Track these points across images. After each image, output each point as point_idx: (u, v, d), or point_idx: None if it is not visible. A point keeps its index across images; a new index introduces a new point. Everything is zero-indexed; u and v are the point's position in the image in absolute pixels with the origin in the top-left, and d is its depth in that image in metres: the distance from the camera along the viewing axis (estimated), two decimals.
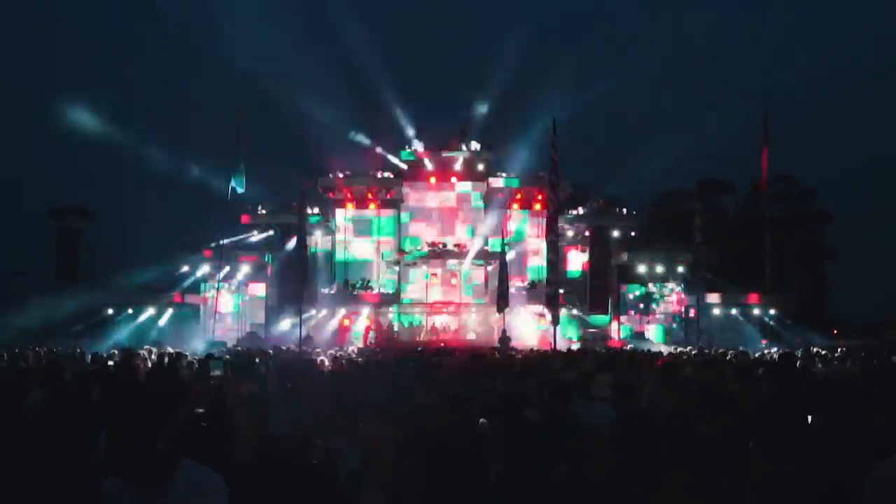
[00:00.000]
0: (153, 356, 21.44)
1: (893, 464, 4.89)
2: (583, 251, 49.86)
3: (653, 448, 5.88)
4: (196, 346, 35.27)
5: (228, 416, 7.69)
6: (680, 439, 6.16)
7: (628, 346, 36.08)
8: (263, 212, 48.44)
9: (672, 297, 47.53)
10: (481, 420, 7.81)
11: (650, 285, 47.62)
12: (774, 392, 8.39)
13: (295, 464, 6.10)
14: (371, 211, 49.43)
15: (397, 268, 48.32)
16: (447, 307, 47.22)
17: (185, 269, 47.02)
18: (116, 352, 23.47)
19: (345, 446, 6.56)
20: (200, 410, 8.07)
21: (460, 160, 49.53)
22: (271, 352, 26.67)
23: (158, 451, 4.39)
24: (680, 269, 46.95)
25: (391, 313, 47.09)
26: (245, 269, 46.84)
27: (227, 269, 45.76)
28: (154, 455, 4.38)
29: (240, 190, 40.96)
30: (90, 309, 45.71)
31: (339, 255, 49.39)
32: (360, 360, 20.90)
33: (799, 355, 21.06)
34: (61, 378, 12.83)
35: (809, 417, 6.93)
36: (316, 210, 47.82)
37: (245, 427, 7.42)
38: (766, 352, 30.52)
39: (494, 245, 44.20)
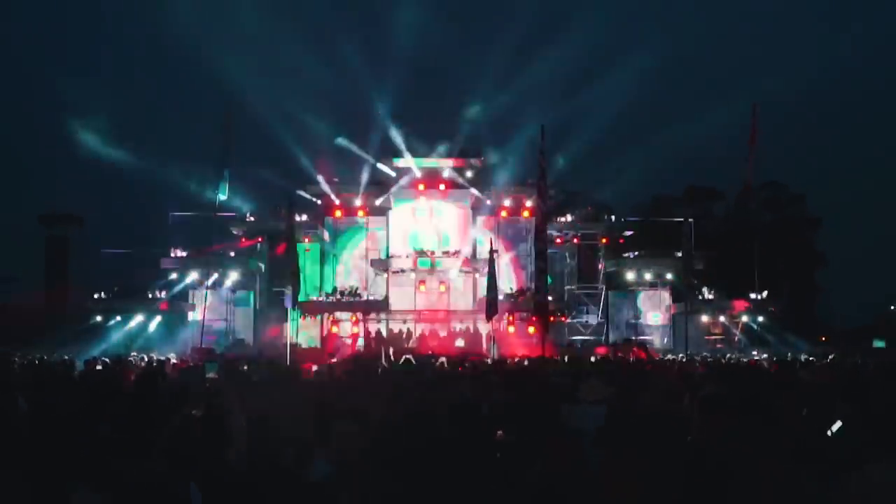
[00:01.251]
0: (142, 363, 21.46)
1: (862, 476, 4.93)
2: (571, 258, 49.92)
3: (637, 450, 5.89)
4: (184, 353, 35.24)
5: (223, 420, 7.67)
6: (669, 442, 6.17)
7: (619, 354, 36.04)
8: (252, 219, 48.42)
9: (660, 305, 47.61)
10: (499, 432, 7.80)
11: (639, 292, 47.68)
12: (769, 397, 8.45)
13: (266, 473, 6.09)
14: (359, 218, 49.38)
15: (385, 275, 48.26)
16: (435, 315, 47.16)
17: (174, 276, 46.99)
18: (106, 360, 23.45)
19: (316, 453, 6.53)
20: (197, 413, 8.06)
21: (449, 167, 49.57)
22: (259, 359, 26.68)
23: (138, 462, 4.39)
24: (668, 275, 47.01)
25: (379, 321, 47.04)
26: (233, 276, 46.80)
27: (216, 276, 45.69)
28: (135, 462, 4.39)
29: (223, 197, 40.96)
30: (79, 315, 45.66)
31: (328, 263, 49.36)
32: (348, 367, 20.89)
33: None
34: (48, 385, 12.82)
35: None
36: (304, 217, 47.76)
37: (239, 432, 7.40)
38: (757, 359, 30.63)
39: (483, 252, 44.18)
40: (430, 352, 36.33)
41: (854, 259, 72.80)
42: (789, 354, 32.31)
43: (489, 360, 26.62)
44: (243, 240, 48.68)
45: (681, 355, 32.53)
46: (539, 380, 14.22)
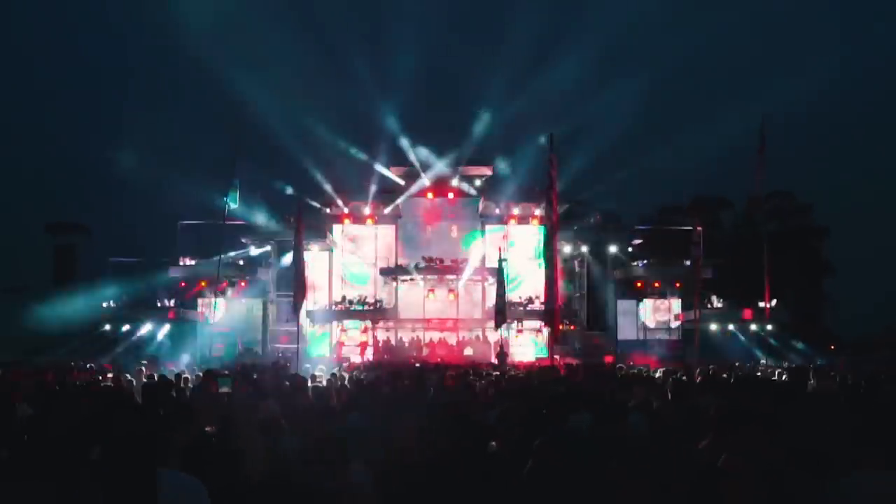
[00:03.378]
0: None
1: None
2: (580, 267, 49.91)
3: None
4: (192, 362, 35.24)
5: (238, 435, 7.64)
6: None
7: (629, 362, 35.99)
8: (261, 227, 48.40)
9: (669, 314, 47.50)
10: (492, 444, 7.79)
11: (646, 301, 47.60)
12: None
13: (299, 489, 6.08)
14: (368, 226, 49.42)
15: (394, 283, 48.29)
16: (444, 323, 47.14)
17: (182, 284, 46.96)
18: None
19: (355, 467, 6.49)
20: (209, 429, 8.05)
21: (457, 175, 49.61)
22: (268, 367, 26.66)
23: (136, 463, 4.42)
24: (677, 284, 46.92)
25: (388, 329, 47.04)
26: (242, 284, 46.77)
27: (224, 284, 45.68)
28: (152, 472, 4.42)
29: (233, 205, 40.90)
30: (87, 324, 45.63)
31: (336, 271, 49.34)
32: (355, 375, 20.89)
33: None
34: (55, 393, 12.85)
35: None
36: (313, 225, 47.77)
37: (256, 447, 7.36)
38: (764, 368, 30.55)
39: (492, 261, 44.16)
40: (438, 360, 36.34)
41: (862, 268, 72.59)
42: (798, 364, 32.25)
43: (495, 372, 26.50)
44: (252, 248, 48.67)
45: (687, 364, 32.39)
46: (536, 389, 14.23)
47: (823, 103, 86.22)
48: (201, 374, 18.61)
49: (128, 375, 20.41)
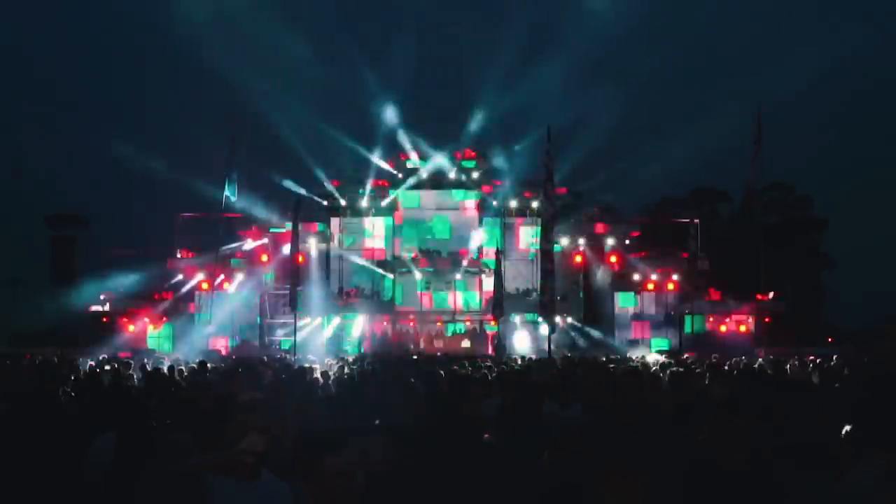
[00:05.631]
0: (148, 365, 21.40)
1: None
2: (577, 259, 49.81)
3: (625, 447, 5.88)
4: (189, 354, 35.20)
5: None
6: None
7: (627, 354, 35.93)
8: (259, 220, 48.34)
9: (666, 306, 47.43)
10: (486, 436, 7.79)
11: (644, 294, 47.51)
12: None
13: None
14: (366, 219, 49.40)
15: (392, 275, 48.24)
16: (442, 315, 47.07)
17: (179, 277, 46.88)
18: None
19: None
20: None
21: (455, 168, 49.56)
22: (266, 360, 26.64)
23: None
24: (675, 276, 46.86)
25: (386, 321, 46.98)
26: (239, 277, 46.67)
27: (221, 277, 45.57)
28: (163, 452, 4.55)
29: (233, 198, 40.82)
30: (84, 317, 45.57)
31: (334, 263, 49.32)
32: (354, 367, 20.86)
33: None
34: (52, 385, 12.83)
35: None
36: (311, 218, 47.75)
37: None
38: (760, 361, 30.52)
39: (489, 253, 44.14)
40: (436, 353, 36.26)
41: (861, 260, 72.53)
42: (796, 356, 32.23)
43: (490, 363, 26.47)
44: (249, 241, 48.58)
45: (686, 355, 32.37)
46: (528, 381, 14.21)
47: (825, 94, 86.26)
48: (196, 366, 18.54)
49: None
